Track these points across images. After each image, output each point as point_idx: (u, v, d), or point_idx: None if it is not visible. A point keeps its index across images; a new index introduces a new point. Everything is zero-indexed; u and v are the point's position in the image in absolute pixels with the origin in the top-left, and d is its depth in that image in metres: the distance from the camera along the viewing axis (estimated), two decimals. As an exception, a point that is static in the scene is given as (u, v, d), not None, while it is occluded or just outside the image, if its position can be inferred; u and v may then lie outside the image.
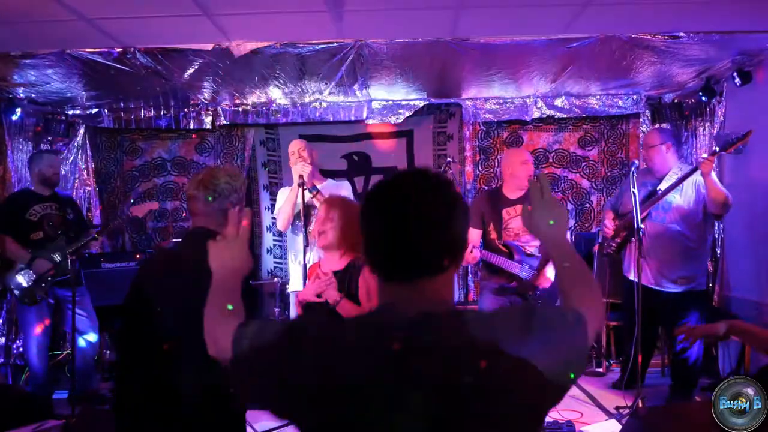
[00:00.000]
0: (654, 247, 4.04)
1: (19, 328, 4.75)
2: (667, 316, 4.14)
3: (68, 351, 4.64)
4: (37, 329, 4.36)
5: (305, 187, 3.86)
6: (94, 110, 5.63)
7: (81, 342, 4.42)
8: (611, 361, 5.18)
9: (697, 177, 3.94)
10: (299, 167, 3.91)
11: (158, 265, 2.31)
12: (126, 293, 2.23)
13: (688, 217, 4.01)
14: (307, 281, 3.07)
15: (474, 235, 4.11)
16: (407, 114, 5.63)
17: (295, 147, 4.09)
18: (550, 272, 4.00)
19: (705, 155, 3.79)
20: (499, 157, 5.91)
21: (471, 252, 3.96)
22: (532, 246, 4.07)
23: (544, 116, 5.69)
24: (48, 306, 4.36)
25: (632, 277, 4.09)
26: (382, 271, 1.18)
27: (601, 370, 5.13)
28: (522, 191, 4.07)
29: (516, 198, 4.07)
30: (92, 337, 4.52)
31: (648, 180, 4.15)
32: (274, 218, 5.60)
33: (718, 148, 3.75)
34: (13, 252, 4.24)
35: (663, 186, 4.05)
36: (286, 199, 4.00)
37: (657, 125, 5.62)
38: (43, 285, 4.22)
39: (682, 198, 4.02)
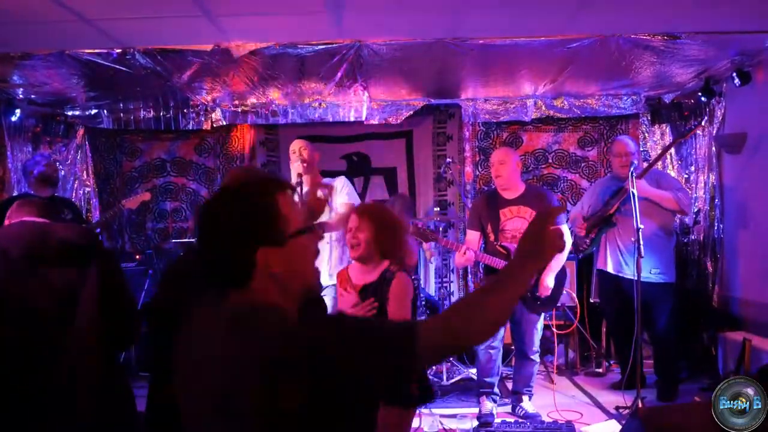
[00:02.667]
0: (624, 238, 4.41)
1: None
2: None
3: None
4: None
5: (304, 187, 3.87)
6: (94, 111, 5.63)
7: None
8: (611, 362, 5.18)
9: (657, 175, 4.51)
10: (295, 166, 3.94)
11: (191, 259, 2.35)
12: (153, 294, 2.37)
13: (652, 211, 4.30)
14: (337, 289, 2.93)
15: (472, 237, 4.12)
16: (407, 114, 5.63)
17: (296, 146, 4.10)
18: (549, 280, 3.99)
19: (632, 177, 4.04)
20: (498, 157, 5.93)
21: (464, 254, 3.96)
22: None
23: (544, 117, 5.70)
24: None
25: (609, 268, 4.54)
26: None
27: (600, 370, 5.13)
28: (514, 191, 4.06)
29: (512, 198, 4.06)
30: None
31: (612, 184, 4.55)
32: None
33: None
34: None
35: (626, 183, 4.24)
36: None
37: (657, 125, 5.65)
38: None
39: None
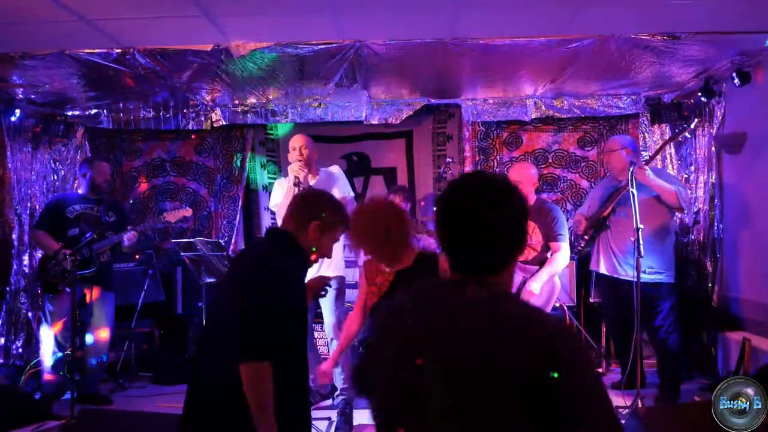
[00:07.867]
0: (617, 240, 4.37)
1: (41, 320, 4.73)
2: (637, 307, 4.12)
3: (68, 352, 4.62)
4: (58, 324, 4.50)
5: (301, 187, 3.87)
6: (94, 111, 5.62)
7: (89, 339, 4.54)
8: (611, 362, 5.17)
9: (656, 172, 4.31)
10: (295, 169, 3.93)
11: (236, 259, 2.49)
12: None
13: (649, 211, 4.21)
14: (361, 277, 2.90)
15: None
16: (406, 114, 5.62)
17: (297, 143, 4.10)
18: (534, 286, 3.98)
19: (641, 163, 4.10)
20: (498, 157, 5.93)
21: None
22: (528, 255, 4.05)
23: (544, 117, 5.69)
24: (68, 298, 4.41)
25: (603, 270, 4.49)
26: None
27: (600, 370, 5.12)
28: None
29: None
30: (105, 336, 4.63)
31: (612, 184, 4.51)
32: (273, 218, 5.61)
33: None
34: (43, 244, 4.56)
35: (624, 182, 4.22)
36: (285, 197, 4.02)
37: (656, 125, 5.64)
38: (67, 277, 4.25)
39: (643, 193, 4.19)
